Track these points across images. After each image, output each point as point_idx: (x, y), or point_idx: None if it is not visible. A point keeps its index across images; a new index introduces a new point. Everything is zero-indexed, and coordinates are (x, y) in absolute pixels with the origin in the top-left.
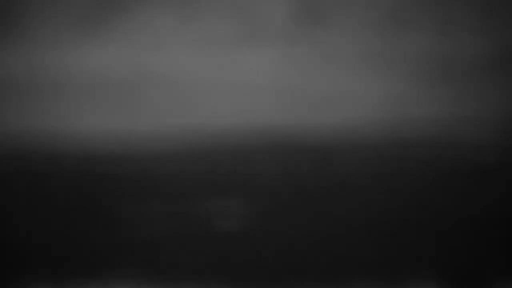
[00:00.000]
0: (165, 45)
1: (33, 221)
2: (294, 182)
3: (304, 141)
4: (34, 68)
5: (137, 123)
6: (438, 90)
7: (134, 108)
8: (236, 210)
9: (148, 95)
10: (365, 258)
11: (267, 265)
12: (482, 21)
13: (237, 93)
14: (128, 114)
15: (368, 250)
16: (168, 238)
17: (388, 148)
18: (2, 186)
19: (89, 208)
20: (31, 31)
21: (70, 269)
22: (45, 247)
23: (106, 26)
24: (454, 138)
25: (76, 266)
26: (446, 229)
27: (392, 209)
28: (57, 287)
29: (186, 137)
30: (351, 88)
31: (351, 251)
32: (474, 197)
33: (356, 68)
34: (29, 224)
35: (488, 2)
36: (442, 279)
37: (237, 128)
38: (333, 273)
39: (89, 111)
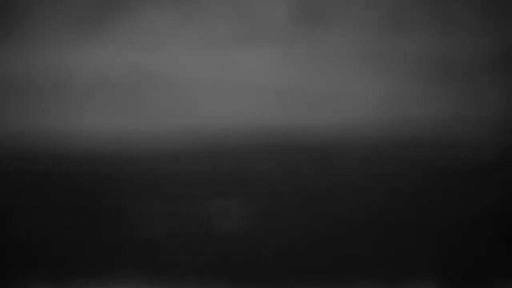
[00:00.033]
0: (165, 45)
1: (33, 221)
2: (294, 182)
3: (304, 141)
4: (34, 68)
5: (137, 123)
6: (438, 90)
7: (134, 108)
8: (236, 210)
9: (148, 95)
10: (365, 258)
11: (267, 265)
12: (482, 21)
13: (237, 93)
14: (128, 114)
15: (368, 250)
16: (168, 238)
17: (388, 148)
18: (2, 186)
19: (89, 208)
20: (31, 31)
21: (70, 269)
22: (45, 247)
23: (106, 26)
24: (454, 138)
25: (76, 266)
26: (446, 229)
27: (392, 209)
28: (57, 287)
29: (186, 137)
30: (351, 88)
31: (351, 251)
32: (474, 197)
33: (356, 68)
34: (29, 224)
35: (488, 2)
36: (442, 279)
37: (237, 128)
38: (333, 273)
39: (89, 111)
